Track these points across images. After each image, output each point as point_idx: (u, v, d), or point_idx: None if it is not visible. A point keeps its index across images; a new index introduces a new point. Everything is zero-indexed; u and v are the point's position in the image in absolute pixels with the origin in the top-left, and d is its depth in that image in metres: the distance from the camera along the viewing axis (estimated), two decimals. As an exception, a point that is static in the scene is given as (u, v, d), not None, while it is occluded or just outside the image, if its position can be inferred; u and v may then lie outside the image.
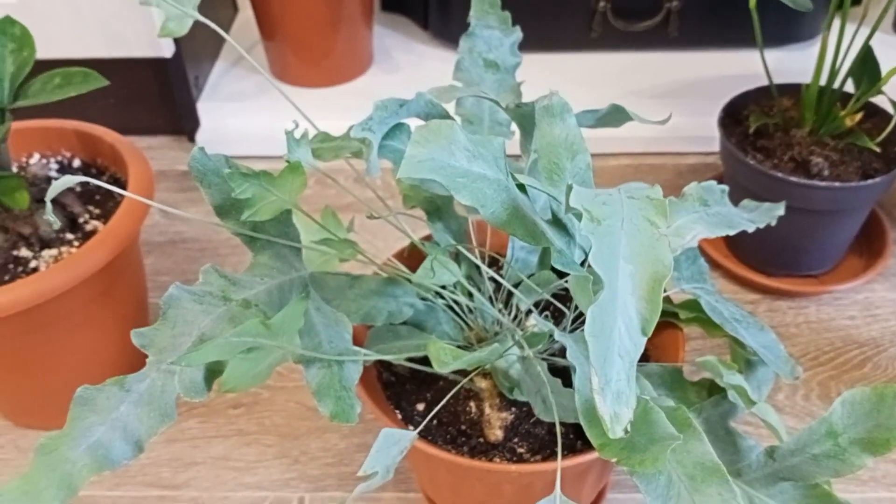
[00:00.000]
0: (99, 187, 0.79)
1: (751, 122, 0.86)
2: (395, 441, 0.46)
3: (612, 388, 0.33)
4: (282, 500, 0.74)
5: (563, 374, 0.56)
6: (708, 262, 0.94)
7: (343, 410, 0.48)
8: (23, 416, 0.81)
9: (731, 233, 0.59)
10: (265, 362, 0.46)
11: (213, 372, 0.46)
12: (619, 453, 0.39)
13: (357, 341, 0.58)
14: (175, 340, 0.45)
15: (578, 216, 0.36)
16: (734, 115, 0.90)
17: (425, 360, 0.58)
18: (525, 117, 0.56)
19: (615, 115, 0.57)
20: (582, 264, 0.46)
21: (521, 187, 0.44)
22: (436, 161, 0.39)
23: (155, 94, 1.12)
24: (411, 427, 0.59)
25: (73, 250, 0.73)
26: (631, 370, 0.34)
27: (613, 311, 0.33)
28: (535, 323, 0.59)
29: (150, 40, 1.04)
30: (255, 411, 0.81)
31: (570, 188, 0.37)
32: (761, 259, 0.91)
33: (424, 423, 0.55)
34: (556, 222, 0.46)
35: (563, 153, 0.48)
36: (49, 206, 0.45)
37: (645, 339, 0.35)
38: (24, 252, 0.72)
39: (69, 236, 0.74)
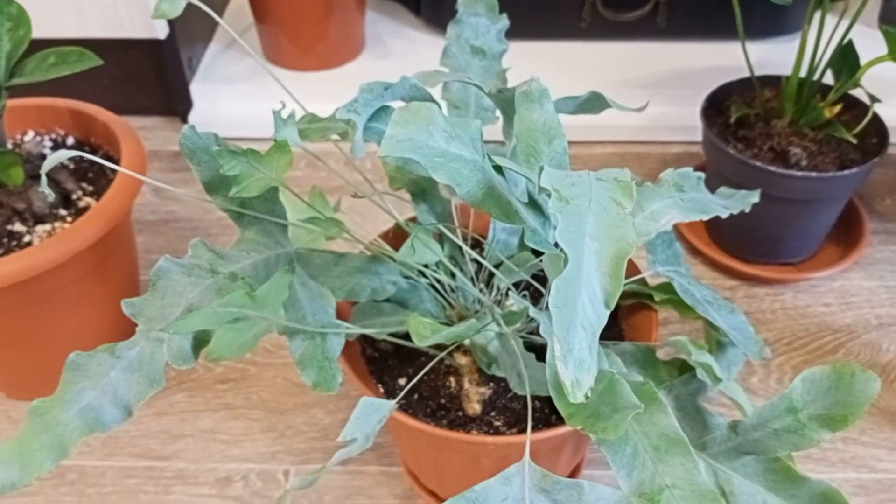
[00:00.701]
0: (92, 165, 0.81)
1: (732, 112, 0.88)
2: (375, 410, 0.48)
3: (574, 356, 0.35)
4: (267, 472, 0.76)
5: (540, 353, 0.58)
6: (689, 249, 0.96)
7: (325, 380, 0.50)
8: (16, 389, 0.83)
9: (705, 217, 0.61)
10: (250, 333, 0.47)
11: (200, 341, 0.48)
12: (584, 421, 0.41)
13: (342, 317, 0.60)
14: (164, 311, 0.47)
15: (549, 196, 0.38)
16: (717, 106, 0.92)
17: (408, 337, 0.60)
18: (507, 102, 0.58)
19: (594, 102, 0.59)
20: (556, 245, 0.48)
21: (499, 169, 0.46)
22: (414, 141, 0.41)
23: (149, 76, 1.14)
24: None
25: (67, 226, 0.74)
26: (593, 340, 0.36)
27: (578, 284, 0.35)
28: (514, 302, 0.61)
29: (144, 22, 1.05)
30: (242, 386, 0.83)
31: (541, 169, 0.39)
32: (741, 247, 0.93)
33: (404, 392, 0.57)
34: (532, 204, 0.48)
35: (541, 137, 0.49)
36: (44, 178, 0.47)
37: (608, 313, 0.37)
38: (18, 227, 0.74)
39: (62, 212, 0.76)
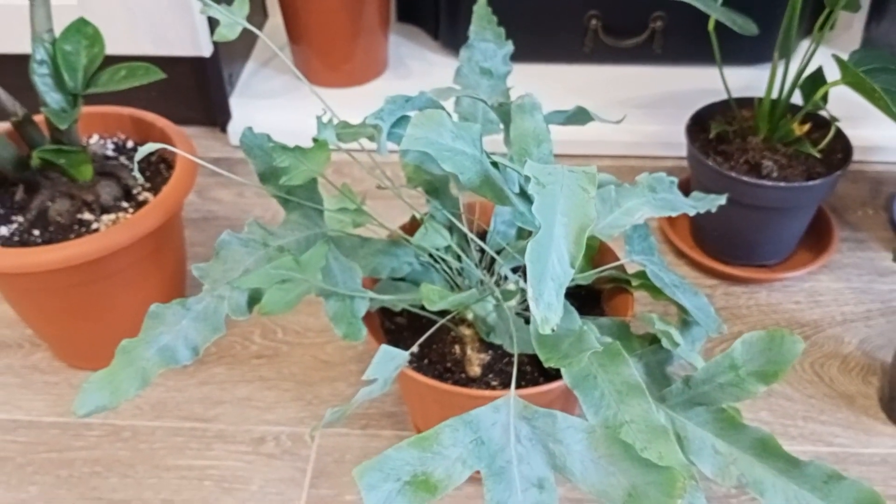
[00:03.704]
0: (149, 165, 0.93)
1: (712, 129, 1.00)
2: (392, 357, 0.59)
3: (544, 300, 0.45)
4: (296, 433, 0.87)
5: (529, 322, 0.69)
6: (674, 251, 1.07)
7: (352, 332, 0.61)
8: (76, 359, 0.95)
9: (674, 214, 0.72)
10: (295, 292, 0.59)
11: (254, 299, 0.59)
12: (557, 361, 0.53)
13: (365, 291, 0.71)
14: (225, 273, 0.59)
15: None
16: (701, 124, 1.03)
17: (421, 308, 0.71)
18: (507, 114, 0.69)
19: (579, 116, 0.70)
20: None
21: (495, 164, 0.57)
22: (428, 139, 0.52)
23: (192, 89, 1.26)
24: (406, 364, 0.72)
25: (128, 216, 0.86)
26: (560, 290, 0.47)
27: (549, 245, 0.46)
28: (511, 282, 0.72)
29: (192, 41, 1.18)
30: (275, 362, 0.95)
31: (524, 161, 0.50)
32: (721, 250, 1.04)
33: (417, 344, 0.68)
34: (523, 193, 0.59)
35: (531, 141, 0.61)
36: (136, 166, 0.59)
37: (573, 271, 0.48)
38: (87, 216, 0.86)
39: (124, 204, 0.88)
